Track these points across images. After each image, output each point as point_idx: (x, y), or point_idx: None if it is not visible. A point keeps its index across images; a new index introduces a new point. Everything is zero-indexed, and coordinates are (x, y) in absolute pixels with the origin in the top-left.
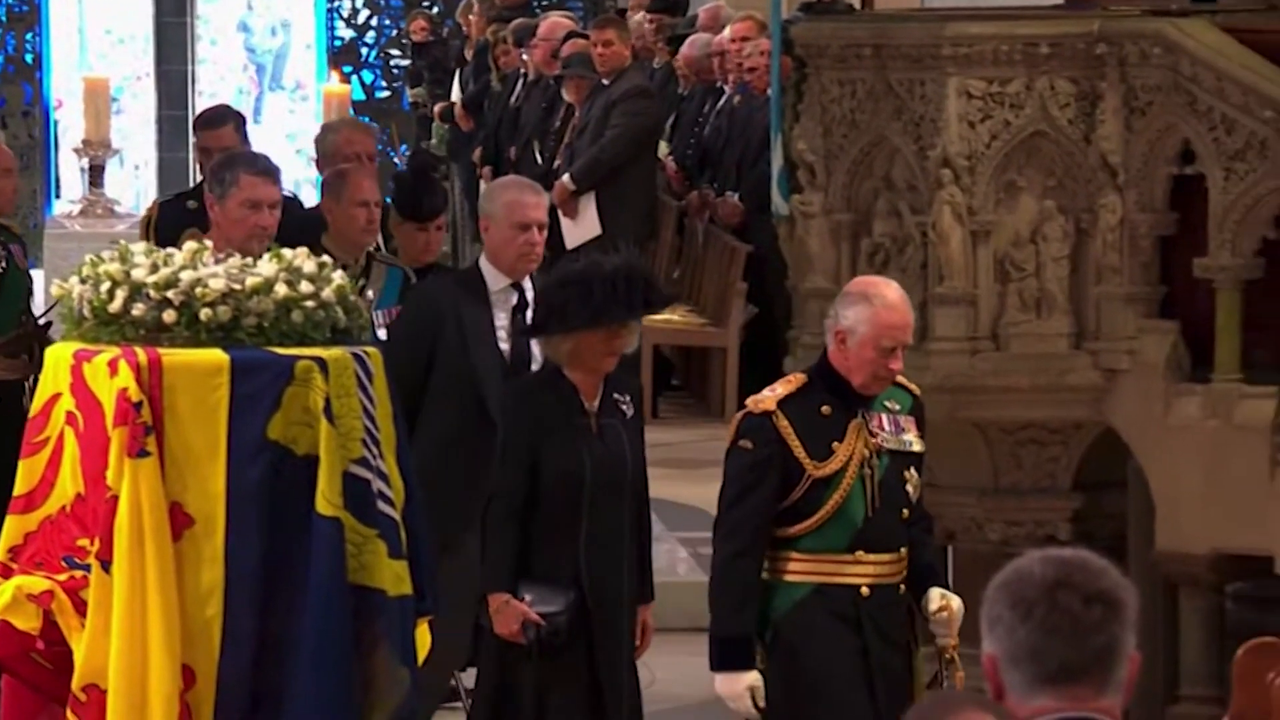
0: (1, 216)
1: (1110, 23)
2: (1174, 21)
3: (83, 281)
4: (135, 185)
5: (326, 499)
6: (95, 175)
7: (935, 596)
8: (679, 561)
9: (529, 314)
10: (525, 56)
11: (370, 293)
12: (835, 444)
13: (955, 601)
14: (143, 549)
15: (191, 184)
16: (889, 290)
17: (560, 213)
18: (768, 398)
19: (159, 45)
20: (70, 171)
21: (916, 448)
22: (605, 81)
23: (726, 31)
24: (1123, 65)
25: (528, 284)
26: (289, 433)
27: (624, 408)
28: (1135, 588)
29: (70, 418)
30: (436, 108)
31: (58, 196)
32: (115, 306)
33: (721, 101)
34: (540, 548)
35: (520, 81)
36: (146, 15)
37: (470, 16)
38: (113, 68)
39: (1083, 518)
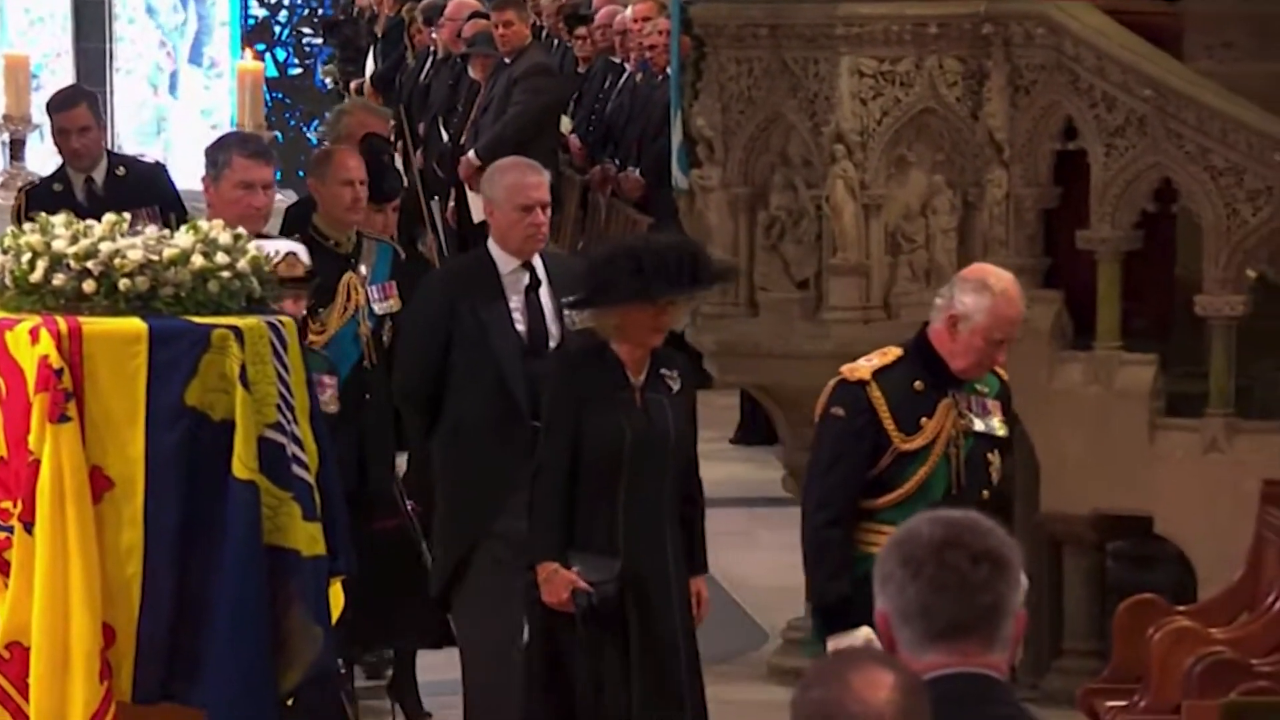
0: None
1: (996, 4)
2: (1057, 3)
3: (4, 252)
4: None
5: (243, 463)
6: (16, 149)
7: None
8: None
9: (542, 291)
10: (434, 35)
11: (363, 268)
12: (924, 420)
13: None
14: (64, 511)
15: (53, 168)
16: (1009, 283)
17: (467, 187)
18: (863, 367)
19: (77, 24)
20: None
21: (1000, 431)
22: (507, 60)
23: (628, 11)
24: (1008, 45)
25: (537, 262)
26: (206, 399)
27: (670, 383)
28: (1020, 547)
29: None
30: (354, 84)
31: None
32: (36, 276)
33: (623, 79)
34: (581, 518)
35: (429, 59)
36: None
37: None
38: (32, 45)
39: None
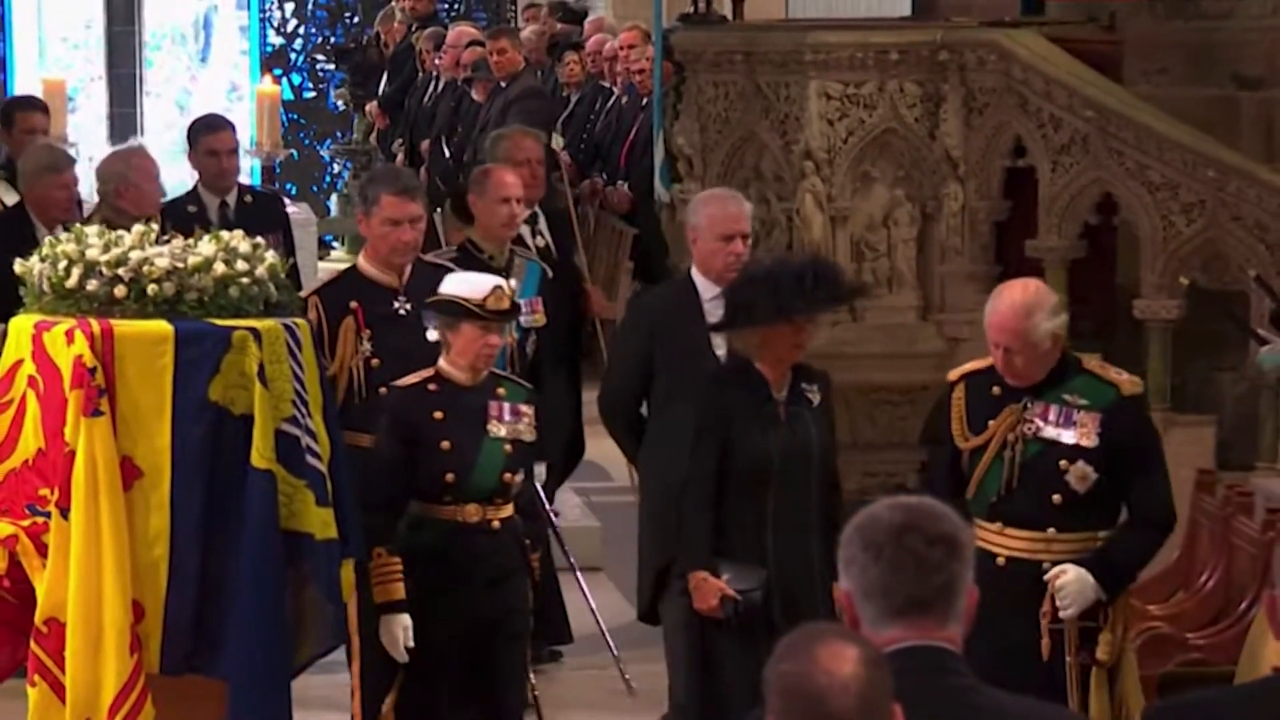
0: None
1: (951, 33)
2: (1007, 32)
3: (42, 260)
4: (89, 176)
5: (261, 453)
6: None
7: (1054, 571)
8: (573, 507)
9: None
10: (438, 60)
11: (513, 282)
12: (990, 421)
13: (1066, 577)
14: (97, 498)
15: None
16: (1001, 295)
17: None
18: (959, 369)
19: (110, 51)
20: None
21: (1071, 440)
22: (503, 84)
23: (616, 39)
24: (962, 70)
25: None
26: (227, 394)
27: (810, 396)
28: (971, 530)
29: (32, 381)
30: (368, 106)
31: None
32: (72, 282)
33: (611, 101)
34: (728, 531)
35: (435, 83)
36: (99, 24)
37: (391, 25)
38: (69, 71)
39: (929, 468)
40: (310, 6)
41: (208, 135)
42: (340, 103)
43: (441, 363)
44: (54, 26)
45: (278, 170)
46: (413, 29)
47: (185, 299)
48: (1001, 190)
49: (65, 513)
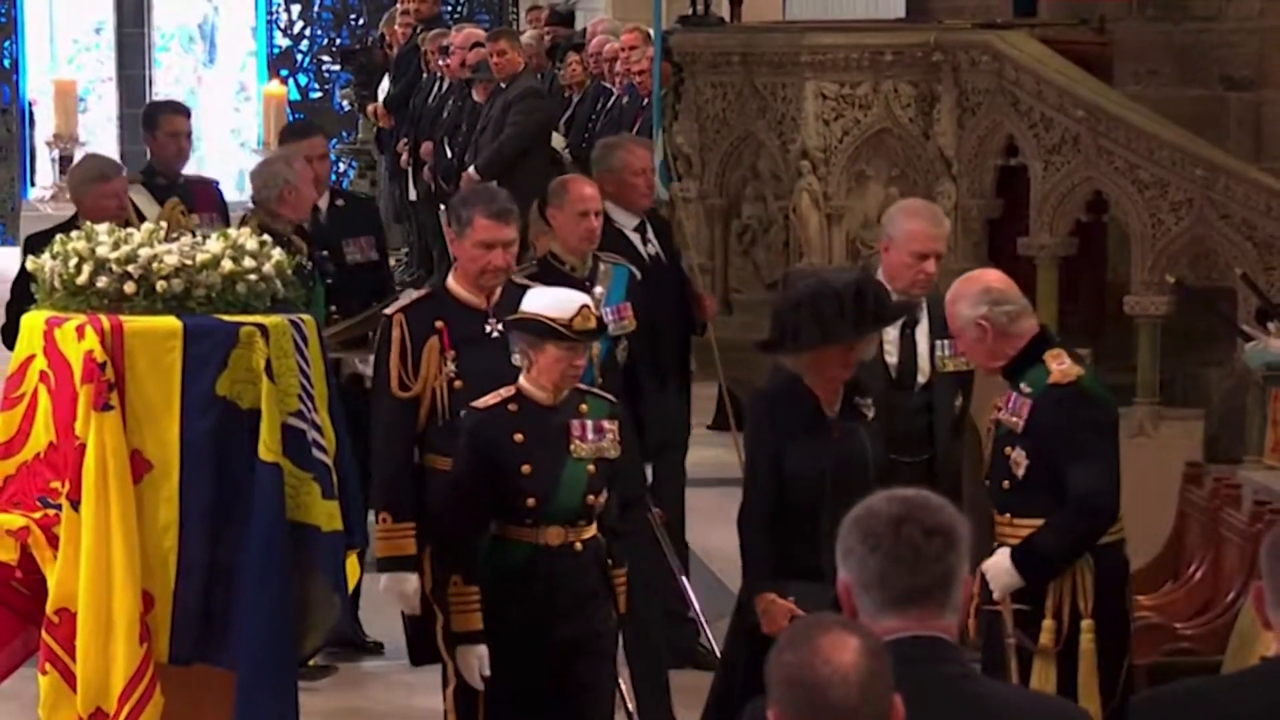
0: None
1: (945, 34)
2: (999, 33)
3: (54, 257)
4: None
5: (268, 447)
6: (64, 165)
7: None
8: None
9: (919, 329)
10: (442, 62)
11: (599, 289)
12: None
13: (989, 561)
14: (107, 490)
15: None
16: (960, 279)
17: None
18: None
19: (120, 52)
20: (43, 162)
21: (1014, 427)
22: (503, 85)
23: (617, 41)
24: (956, 71)
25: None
26: (235, 389)
27: (864, 410)
28: (968, 522)
29: (43, 376)
30: (370, 107)
31: (32, 184)
32: (82, 279)
33: (611, 101)
34: (785, 549)
35: (438, 84)
36: (109, 26)
37: (395, 27)
38: (80, 72)
39: None
40: (316, 9)
41: (300, 141)
42: (345, 103)
43: (523, 381)
44: (65, 28)
45: None
46: (417, 31)
47: (193, 295)
48: (994, 189)
49: (76, 505)
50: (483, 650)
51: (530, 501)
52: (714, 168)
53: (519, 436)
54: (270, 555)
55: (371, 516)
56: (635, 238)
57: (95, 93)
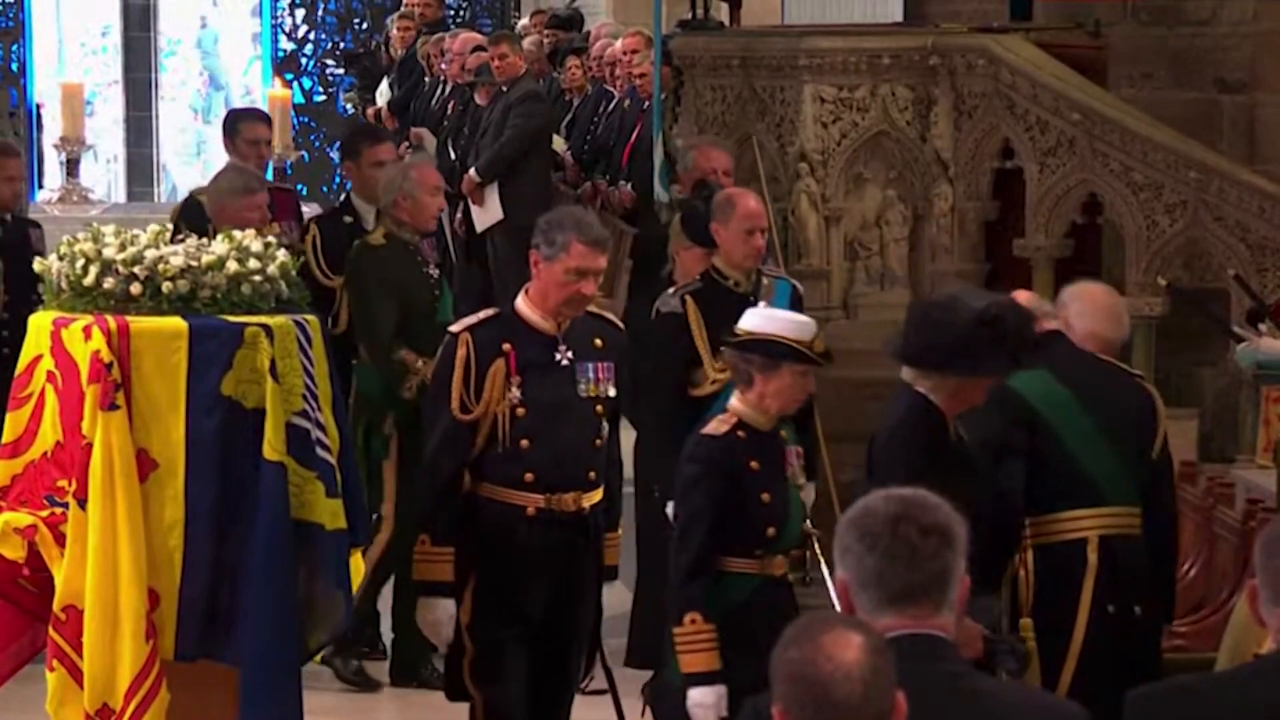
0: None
1: (942, 38)
2: (995, 37)
3: (61, 259)
4: (106, 177)
5: (272, 446)
6: (72, 168)
7: None
8: None
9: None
10: (444, 66)
11: (763, 304)
12: None
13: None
14: (114, 489)
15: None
16: None
17: (470, 201)
18: None
19: (126, 56)
20: (51, 164)
21: None
22: (504, 88)
23: (618, 44)
24: (952, 75)
25: None
26: (239, 389)
27: (961, 431)
28: (964, 520)
29: (50, 376)
30: (369, 110)
31: (40, 186)
32: (89, 280)
33: (612, 104)
34: None
35: (441, 87)
36: (115, 29)
37: (396, 31)
38: (86, 75)
39: None
40: (320, 13)
41: (373, 147)
42: (349, 106)
43: (740, 406)
44: (72, 32)
45: (289, 172)
46: (420, 34)
47: (199, 296)
48: (990, 191)
49: (83, 503)
50: (722, 689)
51: (771, 531)
52: None
53: (754, 464)
54: (274, 553)
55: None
56: None
57: (102, 96)
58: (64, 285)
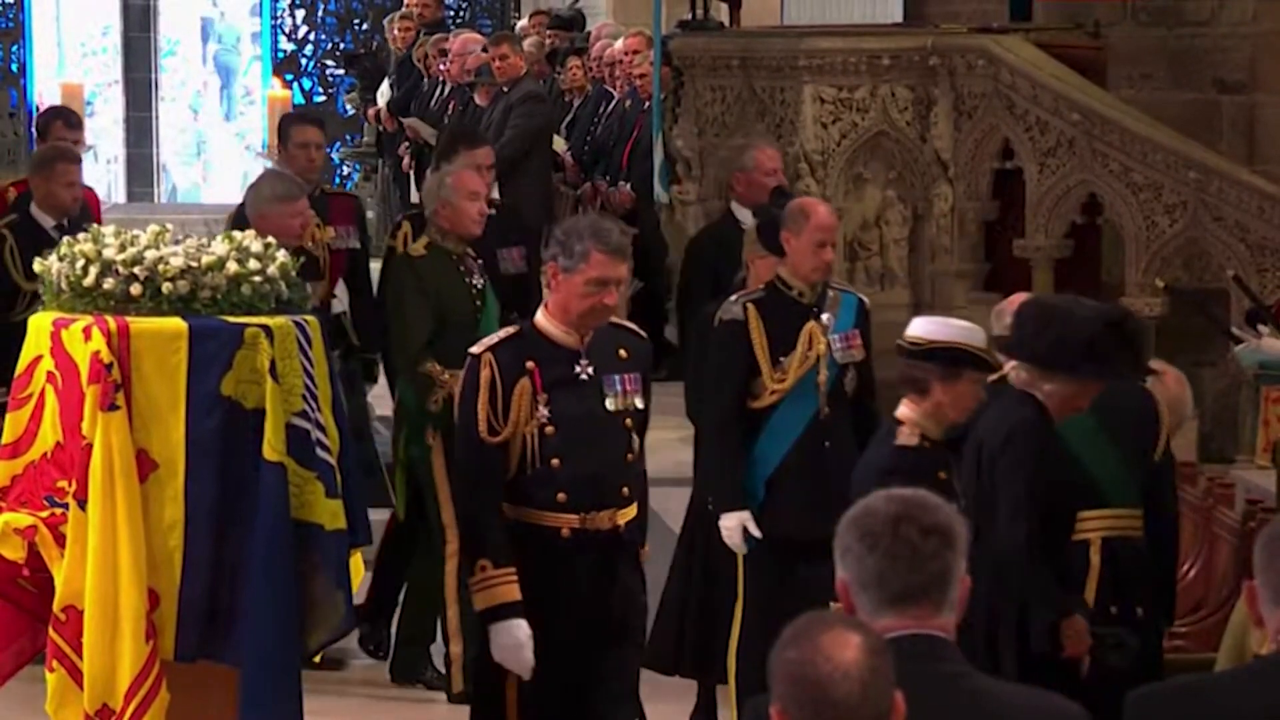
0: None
1: (942, 39)
2: (995, 38)
3: (61, 259)
4: (107, 177)
5: (272, 446)
6: None
7: None
8: None
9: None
10: (444, 67)
11: (826, 317)
12: None
13: None
14: (114, 489)
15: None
16: None
17: None
18: None
19: (126, 56)
20: None
21: None
22: (505, 89)
23: (619, 44)
24: (952, 75)
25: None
26: (239, 389)
27: None
28: (965, 521)
29: (50, 377)
30: (370, 110)
31: None
32: (89, 281)
33: (612, 105)
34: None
35: (440, 88)
36: (115, 30)
37: (395, 31)
38: (86, 75)
39: None
40: (320, 14)
41: (473, 149)
42: (350, 107)
43: (914, 415)
44: (72, 32)
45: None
46: (420, 35)
47: (199, 297)
48: (990, 191)
49: (83, 504)
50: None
51: None
52: (713, 171)
53: (942, 475)
54: (274, 553)
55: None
56: None
57: (102, 96)
58: (64, 286)
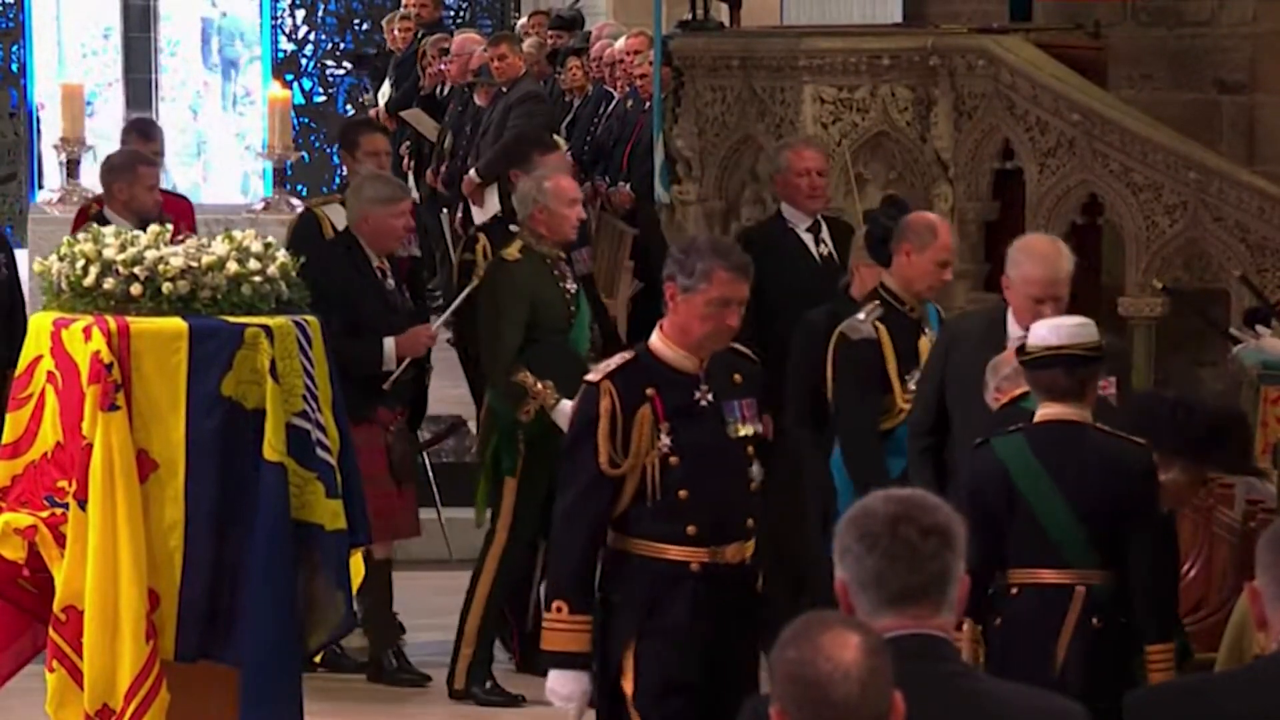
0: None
1: (942, 39)
2: (995, 38)
3: (61, 259)
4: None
5: (272, 446)
6: (72, 168)
7: None
8: None
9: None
10: (443, 67)
11: (928, 330)
12: None
13: None
14: (114, 490)
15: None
16: None
17: (470, 201)
18: None
19: (126, 57)
20: (50, 165)
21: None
22: (504, 89)
23: (619, 44)
24: (952, 75)
25: None
26: (240, 389)
27: None
28: (964, 520)
29: (51, 377)
30: (371, 111)
31: (40, 186)
32: (89, 281)
33: (613, 105)
34: None
35: (439, 88)
36: (115, 30)
37: (395, 31)
38: (87, 75)
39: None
40: (321, 14)
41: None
42: (350, 108)
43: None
44: (72, 33)
45: (289, 172)
46: (419, 35)
47: (199, 297)
48: (990, 191)
49: (83, 504)
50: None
51: None
52: (713, 171)
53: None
54: (275, 554)
55: None
56: (808, 238)
57: (102, 96)
58: (64, 286)
